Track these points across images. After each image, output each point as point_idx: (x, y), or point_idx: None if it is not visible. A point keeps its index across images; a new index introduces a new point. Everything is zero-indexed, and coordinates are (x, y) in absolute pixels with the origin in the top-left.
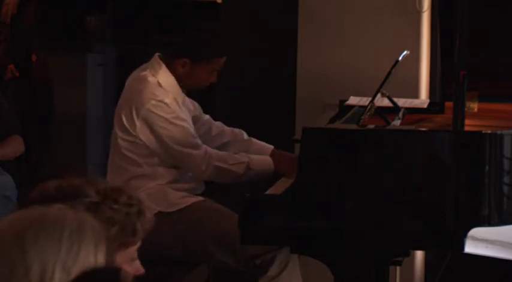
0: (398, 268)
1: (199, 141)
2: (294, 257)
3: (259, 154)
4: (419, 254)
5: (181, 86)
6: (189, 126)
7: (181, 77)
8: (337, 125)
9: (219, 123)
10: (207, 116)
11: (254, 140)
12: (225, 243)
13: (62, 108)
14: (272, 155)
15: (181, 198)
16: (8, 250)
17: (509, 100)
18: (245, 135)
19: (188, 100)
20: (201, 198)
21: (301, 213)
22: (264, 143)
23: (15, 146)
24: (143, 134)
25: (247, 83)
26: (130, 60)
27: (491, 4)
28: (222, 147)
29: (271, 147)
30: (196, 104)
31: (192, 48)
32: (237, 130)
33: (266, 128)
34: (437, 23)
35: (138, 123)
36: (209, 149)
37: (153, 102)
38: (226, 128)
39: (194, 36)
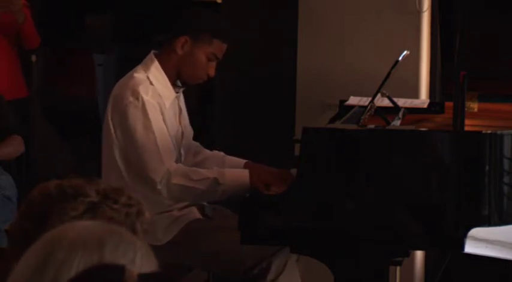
0: (398, 268)
1: (167, 157)
2: (291, 259)
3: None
4: (419, 254)
5: (175, 87)
6: (163, 135)
7: (180, 64)
8: (337, 125)
9: (197, 143)
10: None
11: (228, 156)
12: (222, 261)
13: (62, 107)
14: (245, 167)
15: (168, 227)
16: (89, 252)
17: (509, 100)
18: (221, 153)
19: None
20: (187, 220)
21: (301, 213)
22: (237, 159)
23: (15, 146)
24: (117, 132)
25: (247, 83)
26: (130, 60)
27: (491, 4)
28: (199, 163)
29: (244, 161)
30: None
31: (193, 23)
32: (215, 151)
33: (266, 128)
34: (437, 23)
35: (116, 119)
36: (173, 166)
37: (132, 99)
38: (203, 148)
39: (195, 12)
